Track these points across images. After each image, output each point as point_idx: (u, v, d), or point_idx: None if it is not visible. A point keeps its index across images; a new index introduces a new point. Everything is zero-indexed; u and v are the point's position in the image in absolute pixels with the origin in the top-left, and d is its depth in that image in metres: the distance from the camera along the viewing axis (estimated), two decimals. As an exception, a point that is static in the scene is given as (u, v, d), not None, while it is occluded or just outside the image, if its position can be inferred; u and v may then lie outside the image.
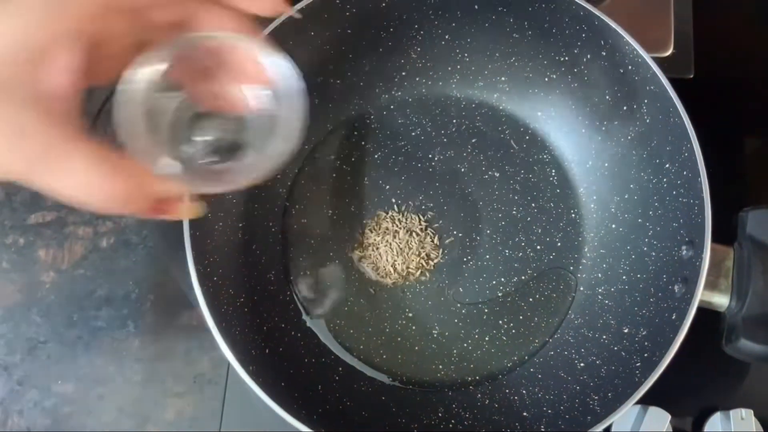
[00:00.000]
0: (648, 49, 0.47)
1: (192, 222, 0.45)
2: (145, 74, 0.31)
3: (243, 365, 0.41)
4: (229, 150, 0.34)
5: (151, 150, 0.31)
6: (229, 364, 0.48)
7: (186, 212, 0.34)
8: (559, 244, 0.54)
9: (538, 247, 0.54)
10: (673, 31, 0.60)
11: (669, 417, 0.49)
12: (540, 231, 0.54)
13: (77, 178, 0.29)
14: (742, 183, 0.59)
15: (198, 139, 0.34)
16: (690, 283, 0.43)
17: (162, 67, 0.31)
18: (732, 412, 0.49)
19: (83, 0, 0.29)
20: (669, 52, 0.60)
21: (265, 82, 0.33)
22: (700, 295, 0.42)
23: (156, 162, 0.31)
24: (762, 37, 0.63)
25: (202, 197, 0.35)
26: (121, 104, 0.30)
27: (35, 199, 0.58)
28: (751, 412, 0.49)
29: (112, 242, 0.57)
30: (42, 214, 0.58)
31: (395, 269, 0.53)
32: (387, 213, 0.55)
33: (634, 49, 0.47)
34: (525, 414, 0.48)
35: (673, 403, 0.49)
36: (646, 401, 0.43)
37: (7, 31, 0.28)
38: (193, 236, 0.44)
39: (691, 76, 0.59)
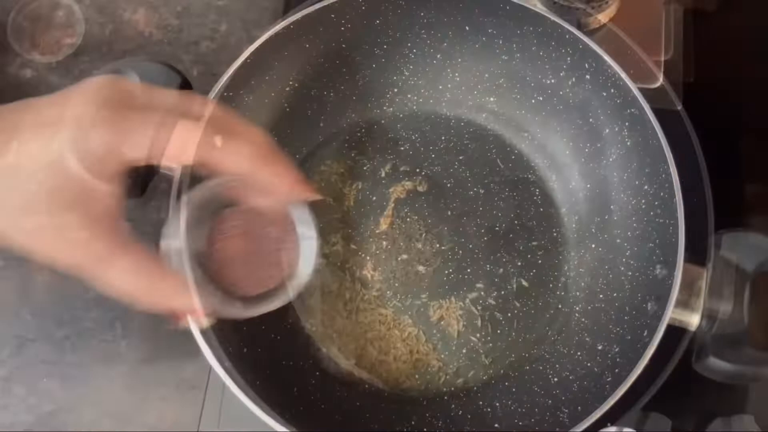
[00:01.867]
0: (638, 79, 0.48)
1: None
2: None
3: (221, 365, 0.42)
4: None
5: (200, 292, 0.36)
6: (210, 369, 0.48)
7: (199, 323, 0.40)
8: (539, 261, 0.54)
9: (519, 264, 0.54)
10: (663, 60, 0.61)
11: (670, 423, 0.48)
12: (521, 248, 0.55)
13: (122, 282, 0.35)
14: (737, 202, 0.58)
15: None
16: (662, 302, 0.43)
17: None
18: (732, 418, 0.49)
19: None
20: (659, 84, 0.61)
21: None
22: (671, 313, 0.43)
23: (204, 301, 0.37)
24: (753, 64, 0.64)
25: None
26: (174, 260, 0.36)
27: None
28: (752, 417, 0.48)
29: (105, 243, 0.58)
30: (38, 212, 0.59)
31: (377, 279, 0.54)
32: (372, 224, 0.56)
33: (616, 73, 0.48)
34: (496, 425, 0.48)
35: (674, 409, 0.48)
36: (647, 407, 0.43)
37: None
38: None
39: (679, 108, 0.60)
